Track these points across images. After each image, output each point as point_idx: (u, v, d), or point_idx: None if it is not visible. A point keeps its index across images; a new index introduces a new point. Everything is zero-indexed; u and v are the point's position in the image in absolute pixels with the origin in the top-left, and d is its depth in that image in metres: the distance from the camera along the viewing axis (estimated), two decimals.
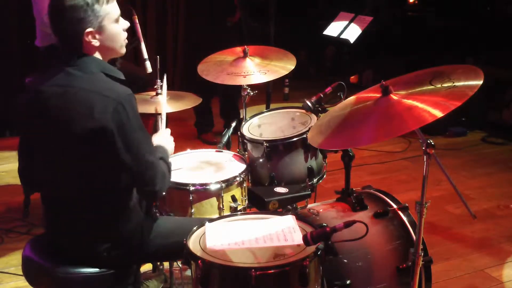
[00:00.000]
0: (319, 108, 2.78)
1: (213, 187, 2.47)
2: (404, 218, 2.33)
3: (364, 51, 6.44)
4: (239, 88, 3.07)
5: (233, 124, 3.16)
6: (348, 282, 2.14)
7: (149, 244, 2.15)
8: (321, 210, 2.40)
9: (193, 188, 2.44)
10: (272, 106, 3.99)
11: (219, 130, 5.18)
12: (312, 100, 2.77)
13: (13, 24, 5.27)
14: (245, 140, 2.81)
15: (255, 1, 5.84)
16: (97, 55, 2.01)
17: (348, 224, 1.79)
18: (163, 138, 2.35)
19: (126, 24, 2.07)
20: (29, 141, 2.10)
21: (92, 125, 1.88)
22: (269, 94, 4.91)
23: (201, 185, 2.46)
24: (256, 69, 2.95)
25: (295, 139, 2.70)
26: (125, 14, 3.50)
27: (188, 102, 2.91)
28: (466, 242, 3.52)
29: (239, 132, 2.87)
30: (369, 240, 2.16)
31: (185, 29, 6.21)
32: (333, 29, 4.94)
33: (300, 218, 2.09)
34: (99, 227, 2.05)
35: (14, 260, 3.25)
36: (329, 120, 2.14)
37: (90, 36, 1.94)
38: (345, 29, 4.85)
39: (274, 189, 2.63)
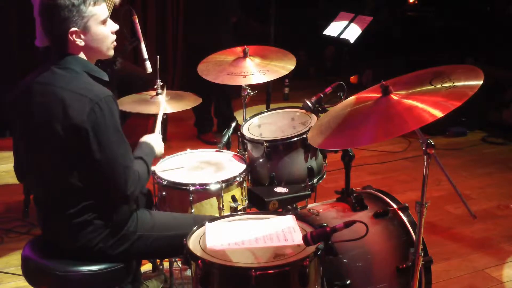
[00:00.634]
0: (319, 108, 2.78)
1: (213, 187, 2.47)
2: (404, 218, 2.33)
3: (364, 51, 6.44)
4: (234, 88, 3.07)
5: (233, 124, 3.16)
6: (348, 282, 2.14)
7: (146, 237, 2.15)
8: (321, 210, 2.40)
9: (193, 188, 2.45)
10: (272, 106, 3.99)
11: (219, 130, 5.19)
12: (312, 100, 2.77)
13: (13, 24, 5.27)
14: (245, 140, 2.81)
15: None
16: (82, 55, 2.04)
17: (348, 224, 1.79)
18: (152, 137, 2.36)
19: (115, 26, 2.10)
20: (16, 138, 2.14)
21: (68, 124, 1.92)
22: (269, 94, 4.92)
23: (201, 185, 2.46)
24: (256, 69, 2.95)
25: (295, 139, 2.70)
26: (125, 14, 3.52)
27: (188, 102, 2.91)
28: (466, 242, 3.51)
29: (239, 132, 2.87)
30: (369, 240, 2.16)
31: (185, 29, 6.21)
32: (333, 29, 4.94)
33: (300, 218, 2.09)
34: (88, 222, 2.05)
35: (14, 260, 3.25)
36: (329, 120, 2.14)
37: (74, 36, 1.98)
38: (345, 29, 4.85)
39: (274, 189, 2.63)
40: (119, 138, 1.98)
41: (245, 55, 3.02)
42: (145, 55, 3.15)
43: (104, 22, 2.04)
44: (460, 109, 1.77)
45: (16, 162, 2.21)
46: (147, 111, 2.84)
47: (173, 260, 2.73)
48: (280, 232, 1.98)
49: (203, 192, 2.47)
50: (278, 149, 2.71)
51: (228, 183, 2.50)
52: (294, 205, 2.73)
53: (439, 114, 1.76)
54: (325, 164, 2.87)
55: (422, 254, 2.01)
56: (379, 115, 1.92)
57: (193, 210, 2.45)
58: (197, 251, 1.89)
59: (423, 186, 1.94)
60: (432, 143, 1.88)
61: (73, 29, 1.96)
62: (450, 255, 3.35)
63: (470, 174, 4.54)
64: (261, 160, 2.73)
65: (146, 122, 4.45)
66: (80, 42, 2.00)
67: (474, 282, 3.10)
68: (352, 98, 2.17)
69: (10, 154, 2.21)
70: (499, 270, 3.20)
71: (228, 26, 5.03)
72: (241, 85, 3.04)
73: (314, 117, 2.83)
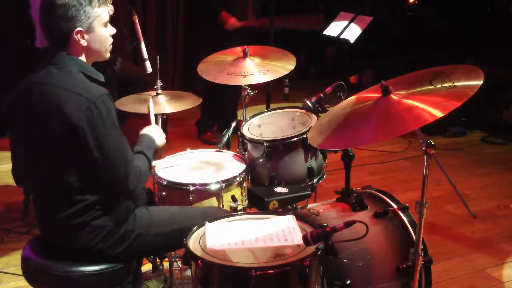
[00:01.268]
0: (319, 108, 2.78)
1: (213, 187, 2.47)
2: (404, 218, 2.33)
3: (364, 51, 6.43)
4: (231, 88, 3.07)
5: (233, 124, 3.16)
6: (348, 282, 2.14)
7: (145, 235, 2.15)
8: (321, 210, 2.40)
9: (193, 188, 2.45)
10: (272, 106, 3.99)
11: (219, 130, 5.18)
12: (312, 100, 2.77)
13: (13, 24, 5.27)
14: (245, 140, 2.81)
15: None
16: (82, 56, 2.05)
17: (348, 224, 1.79)
18: (152, 128, 2.38)
19: (112, 30, 2.12)
20: (14, 139, 2.14)
21: (65, 123, 1.92)
22: (269, 94, 4.91)
23: (201, 185, 2.46)
24: (256, 69, 2.95)
25: (295, 139, 2.70)
26: (125, 14, 3.52)
27: (188, 102, 2.91)
28: (466, 242, 3.51)
29: (239, 132, 2.87)
30: (369, 240, 2.16)
31: (186, 29, 6.21)
32: (333, 29, 4.94)
33: (300, 218, 2.09)
34: (87, 223, 2.05)
35: (14, 260, 3.24)
36: (329, 120, 2.14)
37: (79, 35, 1.99)
38: (345, 29, 4.85)
39: (274, 189, 2.63)
40: (117, 135, 1.99)
41: (245, 55, 3.02)
42: (145, 55, 3.15)
43: (106, 24, 2.06)
44: (460, 109, 1.77)
45: (14, 165, 2.21)
46: (147, 111, 2.84)
47: (173, 260, 2.73)
48: (280, 232, 1.98)
49: (203, 192, 2.47)
50: (278, 149, 2.71)
51: (228, 183, 2.50)
52: (294, 205, 2.73)
53: (439, 114, 1.76)
54: (325, 164, 2.87)
55: (422, 254, 2.01)
56: (379, 115, 1.92)
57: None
58: (197, 251, 1.89)
59: (423, 186, 1.94)
60: (432, 143, 1.88)
61: (79, 28, 1.97)
62: (450, 255, 3.35)
63: (470, 174, 4.54)
64: (261, 160, 2.73)
65: (146, 122, 4.45)
66: (83, 43, 2.01)
67: (474, 282, 3.10)
68: (352, 98, 2.17)
69: (10, 154, 2.21)
70: (499, 270, 3.20)
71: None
72: (241, 85, 3.04)
73: (314, 117, 2.83)
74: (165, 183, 2.51)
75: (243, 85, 3.04)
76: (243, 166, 2.65)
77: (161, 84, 2.88)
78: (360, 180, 4.26)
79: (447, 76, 1.94)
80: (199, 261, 1.83)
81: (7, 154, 4.36)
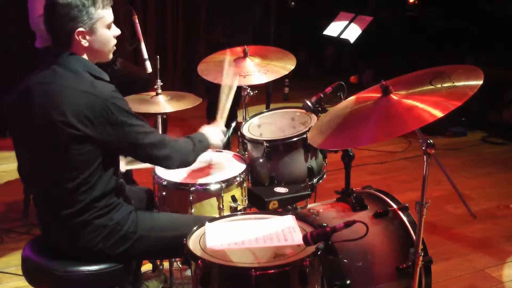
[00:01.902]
0: (319, 108, 2.78)
1: (213, 187, 2.47)
2: (404, 218, 2.33)
3: (364, 51, 6.43)
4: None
5: (233, 124, 3.16)
6: (348, 282, 2.14)
7: (146, 238, 2.15)
8: (321, 210, 2.40)
9: (193, 188, 2.44)
10: (272, 106, 3.99)
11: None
12: (312, 100, 2.77)
13: (13, 24, 5.27)
14: (245, 140, 2.81)
15: None
16: (85, 56, 2.05)
17: (348, 224, 1.79)
18: (210, 128, 2.47)
19: (117, 31, 2.12)
20: (15, 138, 2.14)
21: (72, 122, 1.92)
22: (269, 94, 4.90)
23: (201, 185, 2.46)
24: (256, 69, 2.95)
25: (295, 139, 2.70)
26: (125, 14, 3.52)
27: (188, 102, 2.91)
28: (466, 242, 3.51)
29: (239, 132, 2.87)
30: (369, 240, 2.16)
31: (186, 29, 6.21)
32: (333, 29, 4.94)
33: (300, 218, 2.09)
34: (87, 223, 2.05)
35: (14, 260, 3.25)
36: (329, 120, 2.14)
37: (80, 36, 1.99)
38: (345, 29, 4.85)
39: (274, 189, 2.63)
40: (136, 123, 2.05)
41: (245, 55, 3.02)
42: (145, 55, 3.15)
43: (109, 26, 2.07)
44: (460, 109, 1.77)
45: (18, 164, 2.21)
46: (147, 110, 2.84)
47: (173, 260, 2.73)
48: (280, 232, 1.98)
49: (203, 192, 2.47)
50: (278, 149, 2.71)
51: (228, 183, 2.50)
52: (294, 205, 2.72)
53: (439, 114, 1.76)
54: (325, 164, 2.87)
55: (422, 254, 2.01)
56: (379, 115, 1.92)
57: (193, 210, 2.45)
58: (197, 251, 1.89)
59: (423, 186, 1.94)
60: (432, 143, 1.88)
61: (80, 29, 1.98)
62: (450, 255, 3.35)
63: (470, 174, 4.54)
64: (261, 160, 2.73)
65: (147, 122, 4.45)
66: (85, 43, 2.01)
67: (474, 282, 3.10)
68: (352, 98, 2.17)
69: (10, 154, 2.22)
70: (499, 270, 3.20)
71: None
72: (241, 85, 3.04)
73: (314, 117, 2.83)
74: (165, 183, 2.51)
75: (243, 85, 3.04)
76: (243, 166, 2.65)
77: (161, 84, 2.88)
78: (360, 180, 4.25)
79: (447, 76, 1.94)
80: (199, 261, 1.83)
81: (7, 154, 4.37)
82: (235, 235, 1.98)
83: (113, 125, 1.97)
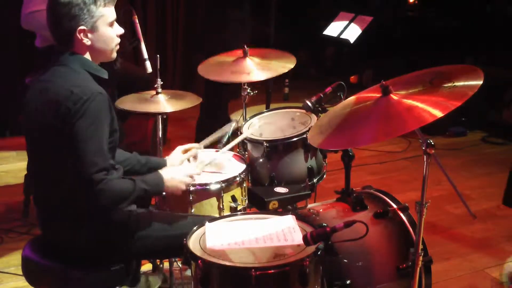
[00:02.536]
0: (319, 108, 2.78)
1: (213, 187, 2.46)
2: (404, 218, 2.33)
3: (364, 51, 6.43)
4: (234, 88, 3.08)
5: (233, 125, 3.16)
6: (348, 282, 2.14)
7: (145, 238, 2.14)
8: (321, 210, 2.40)
9: (193, 188, 2.44)
10: (272, 106, 3.99)
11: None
12: (312, 100, 2.77)
13: (13, 24, 5.26)
14: (245, 140, 2.81)
15: None
16: (87, 55, 2.06)
17: (348, 224, 1.79)
18: (173, 170, 2.22)
19: (120, 30, 2.12)
20: (26, 138, 2.14)
21: (62, 121, 1.92)
22: (269, 94, 4.91)
23: (201, 185, 2.46)
24: (256, 68, 2.97)
25: (295, 139, 2.70)
26: (125, 14, 3.52)
27: (188, 102, 2.92)
28: (466, 242, 3.51)
29: (239, 132, 2.87)
30: (369, 240, 2.16)
31: (186, 29, 6.21)
32: (333, 29, 4.94)
33: (300, 218, 2.09)
34: (87, 223, 2.05)
35: (14, 260, 3.25)
36: (329, 120, 2.14)
37: (82, 34, 2.00)
38: (345, 29, 4.85)
39: (274, 189, 2.63)
40: (94, 135, 1.93)
41: (245, 55, 3.03)
42: (145, 55, 3.15)
43: (111, 24, 2.06)
44: (460, 109, 1.77)
45: (27, 164, 2.22)
46: (147, 110, 2.84)
47: (173, 260, 2.73)
48: (280, 232, 1.98)
49: (203, 192, 2.47)
50: (278, 149, 2.71)
51: (228, 183, 2.50)
52: (294, 205, 2.73)
53: (439, 114, 1.76)
54: (325, 164, 2.87)
55: (422, 254, 2.01)
56: (379, 115, 1.92)
57: (193, 210, 2.45)
58: (197, 251, 1.89)
59: (423, 186, 1.94)
60: (432, 143, 1.88)
61: (82, 27, 1.98)
62: (450, 255, 3.35)
63: (470, 174, 4.54)
64: (261, 160, 2.73)
65: (146, 122, 4.45)
66: (87, 42, 2.02)
67: (474, 282, 3.10)
68: (352, 98, 2.17)
69: (10, 154, 2.22)
70: (499, 270, 3.20)
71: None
72: (240, 86, 3.05)
73: (314, 117, 2.83)
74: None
75: (243, 85, 3.05)
76: (243, 166, 2.65)
77: (161, 83, 2.88)
78: (360, 180, 4.25)
79: (447, 76, 1.94)
80: (199, 261, 1.83)
81: (7, 154, 4.38)
82: (235, 235, 1.98)
83: (71, 120, 1.90)
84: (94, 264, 2.07)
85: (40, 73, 2.07)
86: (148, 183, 2.08)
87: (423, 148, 1.89)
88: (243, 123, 2.96)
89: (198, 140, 4.86)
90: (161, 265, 2.98)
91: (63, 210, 2.04)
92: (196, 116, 5.21)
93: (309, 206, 2.57)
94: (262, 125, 2.95)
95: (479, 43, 6.15)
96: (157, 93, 2.87)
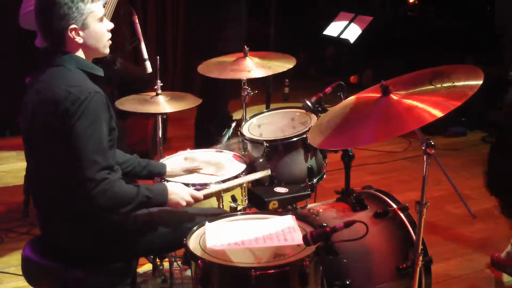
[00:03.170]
0: (319, 108, 2.78)
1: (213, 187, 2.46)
2: (404, 218, 2.33)
3: (364, 51, 6.43)
4: (233, 88, 3.08)
5: (233, 125, 3.16)
6: (348, 282, 2.14)
7: (144, 234, 2.15)
8: (321, 210, 2.40)
9: (193, 188, 2.44)
10: (272, 106, 3.99)
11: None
12: (312, 100, 2.77)
13: (13, 24, 5.26)
14: (245, 140, 2.81)
15: None
16: (80, 53, 2.05)
17: (348, 224, 1.79)
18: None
19: (110, 25, 2.12)
20: (23, 138, 2.14)
21: (59, 122, 1.92)
22: (269, 94, 4.91)
23: (201, 185, 2.46)
24: (255, 66, 2.97)
25: (295, 139, 2.70)
26: (125, 14, 3.52)
27: (188, 102, 2.92)
28: (466, 242, 3.51)
29: (239, 132, 2.88)
30: (369, 240, 2.16)
31: (186, 29, 6.21)
32: (333, 29, 4.94)
33: (300, 218, 2.09)
34: (87, 222, 2.04)
35: (14, 260, 3.25)
36: (329, 120, 2.14)
37: (73, 33, 1.99)
38: (345, 29, 4.85)
39: (274, 189, 2.63)
40: (94, 134, 1.93)
41: (245, 55, 3.03)
42: (145, 55, 3.15)
43: (101, 19, 2.06)
44: (460, 109, 1.77)
45: (27, 165, 2.22)
46: (147, 111, 2.85)
47: (173, 260, 2.73)
48: (280, 232, 1.98)
49: None
50: (278, 149, 2.71)
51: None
52: (294, 205, 2.73)
53: (439, 114, 1.76)
54: (325, 164, 2.87)
55: (422, 254, 2.01)
56: (379, 115, 1.92)
57: None
58: (197, 251, 1.89)
59: (423, 186, 1.94)
60: (432, 143, 1.88)
61: (73, 26, 1.98)
62: (450, 255, 3.35)
63: (470, 174, 4.53)
64: (261, 160, 2.73)
65: (146, 122, 4.46)
66: (79, 40, 2.01)
67: (474, 282, 3.10)
68: (352, 98, 2.18)
69: (10, 154, 2.22)
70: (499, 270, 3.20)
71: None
72: (240, 86, 3.05)
73: (314, 117, 2.83)
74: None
75: (243, 86, 3.05)
76: (243, 166, 2.65)
77: (161, 84, 2.88)
78: (360, 180, 4.25)
79: (447, 76, 1.94)
80: (199, 261, 1.83)
81: (7, 154, 4.38)
82: (235, 235, 1.98)
83: (70, 120, 1.90)
84: (94, 264, 2.07)
85: (37, 74, 2.07)
86: (152, 191, 2.08)
87: (423, 148, 1.89)
88: (243, 123, 2.97)
89: (197, 139, 4.89)
90: (161, 266, 2.98)
91: (63, 210, 2.04)
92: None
93: (309, 206, 2.57)
94: (262, 125, 2.95)
95: (479, 43, 6.15)
96: (157, 94, 2.87)
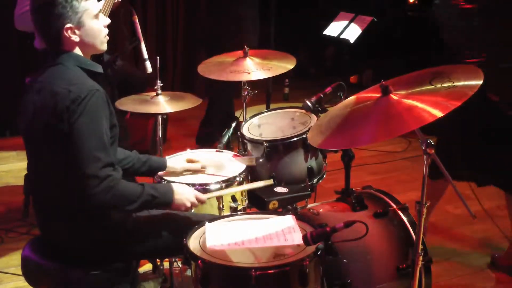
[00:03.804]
0: (319, 108, 2.78)
1: (213, 187, 2.46)
2: (404, 218, 2.33)
3: (364, 51, 6.43)
4: (234, 88, 3.08)
5: (233, 124, 3.16)
6: (348, 282, 2.14)
7: (144, 237, 2.15)
8: (321, 210, 2.40)
9: (193, 188, 2.44)
10: (272, 106, 3.99)
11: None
12: (312, 100, 2.77)
13: (13, 24, 5.26)
14: (245, 140, 2.81)
15: None
16: (78, 51, 2.05)
17: (348, 224, 1.79)
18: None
19: (106, 20, 2.11)
20: (23, 139, 2.14)
21: (59, 120, 1.92)
22: (269, 94, 4.91)
23: (201, 185, 2.46)
24: (255, 67, 2.97)
25: (295, 139, 2.70)
26: (125, 14, 3.52)
27: (188, 102, 2.92)
28: (466, 242, 3.51)
29: (239, 132, 2.88)
30: (369, 240, 2.16)
31: (186, 29, 6.21)
32: (333, 29, 4.94)
33: (300, 218, 2.09)
34: (86, 223, 2.05)
35: (14, 260, 3.25)
36: (329, 120, 2.14)
37: (69, 32, 1.99)
38: (345, 29, 4.85)
39: (274, 189, 2.63)
40: (95, 131, 1.93)
41: (245, 55, 3.03)
42: (145, 55, 3.15)
43: (97, 16, 2.06)
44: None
45: (27, 165, 2.22)
46: (147, 111, 2.85)
47: (173, 260, 2.73)
48: (280, 232, 1.98)
49: (203, 192, 2.46)
50: (278, 149, 2.71)
51: (228, 183, 2.50)
52: (294, 205, 2.73)
53: (439, 114, 1.76)
54: (325, 164, 2.87)
55: (422, 254, 2.01)
56: (379, 115, 1.92)
57: (192, 210, 2.44)
58: (197, 251, 1.89)
59: (423, 186, 1.94)
60: (432, 143, 1.88)
61: (68, 25, 1.98)
62: (450, 255, 3.35)
63: None
64: (261, 160, 2.73)
65: (146, 122, 4.46)
66: (75, 38, 2.01)
67: (474, 282, 3.10)
68: (352, 98, 2.18)
69: (10, 154, 2.22)
70: (499, 270, 3.20)
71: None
72: (240, 86, 3.05)
73: (314, 117, 2.84)
74: (164, 182, 2.51)
75: (243, 86, 3.05)
76: (243, 166, 2.65)
77: (161, 84, 2.88)
78: (360, 180, 4.25)
79: (447, 76, 1.94)
80: (199, 261, 1.83)
81: (7, 154, 4.37)
82: (235, 235, 1.98)
83: (72, 118, 1.90)
84: (94, 264, 2.07)
85: (37, 74, 2.07)
86: (157, 190, 2.08)
87: (423, 148, 1.89)
88: (243, 123, 2.97)
89: (198, 139, 4.88)
90: (161, 266, 2.98)
91: (63, 210, 2.04)
92: (196, 116, 5.20)
93: (309, 206, 2.57)
94: (262, 125, 2.95)
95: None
96: (157, 94, 2.87)
